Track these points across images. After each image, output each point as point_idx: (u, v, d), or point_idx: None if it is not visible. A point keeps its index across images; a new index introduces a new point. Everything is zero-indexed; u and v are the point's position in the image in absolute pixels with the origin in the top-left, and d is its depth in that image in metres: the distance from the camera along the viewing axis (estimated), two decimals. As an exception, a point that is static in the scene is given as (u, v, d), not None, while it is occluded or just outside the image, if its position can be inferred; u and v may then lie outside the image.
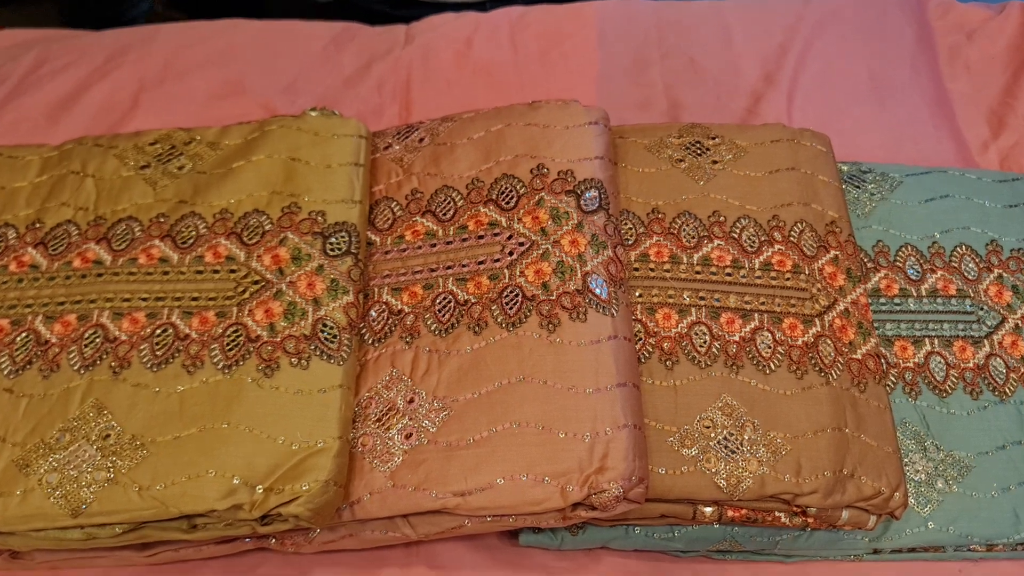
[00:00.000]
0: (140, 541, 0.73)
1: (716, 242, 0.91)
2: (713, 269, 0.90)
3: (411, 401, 0.79)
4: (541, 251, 0.84)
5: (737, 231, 0.92)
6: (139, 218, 0.85)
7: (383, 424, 0.78)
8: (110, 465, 0.71)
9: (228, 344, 0.77)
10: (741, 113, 1.20)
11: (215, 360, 0.77)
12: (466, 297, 0.83)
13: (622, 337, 0.80)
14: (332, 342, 0.77)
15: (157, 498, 0.69)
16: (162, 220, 0.85)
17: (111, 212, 0.86)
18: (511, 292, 0.82)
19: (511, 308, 0.81)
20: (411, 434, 0.77)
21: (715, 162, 0.97)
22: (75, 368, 0.77)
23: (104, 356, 0.78)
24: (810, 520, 0.82)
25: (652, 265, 0.90)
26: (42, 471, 0.71)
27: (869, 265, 0.98)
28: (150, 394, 0.75)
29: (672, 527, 0.85)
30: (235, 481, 0.69)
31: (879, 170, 1.07)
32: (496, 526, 0.78)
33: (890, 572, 0.90)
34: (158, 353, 0.77)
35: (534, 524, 0.77)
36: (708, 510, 0.80)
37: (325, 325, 0.78)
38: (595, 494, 0.73)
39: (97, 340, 0.78)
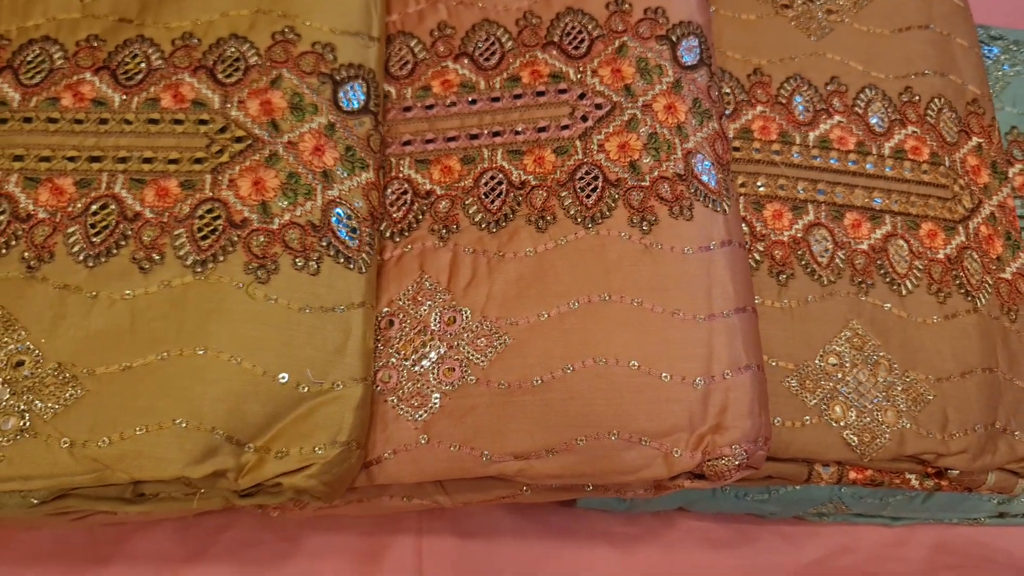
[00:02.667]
0: (61, 511, 0.52)
1: (836, 118, 0.71)
2: (834, 155, 0.70)
3: (451, 322, 0.58)
4: (627, 117, 0.63)
5: (861, 105, 0.72)
6: (60, 40, 0.61)
7: (411, 353, 0.57)
8: (24, 408, 0.49)
9: (200, 230, 0.55)
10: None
11: (182, 253, 0.54)
12: (524, 177, 0.62)
13: (736, 243, 0.60)
14: (351, 238, 0.56)
15: (97, 459, 0.48)
16: (95, 45, 0.61)
17: (17, 30, 0.61)
18: (587, 173, 0.61)
19: (588, 196, 0.60)
20: (452, 369, 0.57)
21: (831, 12, 0.76)
22: (-33, 260, 0.54)
23: (13, 242, 0.55)
24: (944, 483, 0.65)
25: (757, 144, 0.69)
26: (-85, 417, 0.49)
27: (1002, 157, 0.79)
28: (84, 301, 0.53)
29: (769, 487, 0.67)
30: (216, 436, 0.48)
31: (1012, 36, 0.87)
32: (562, 495, 0.59)
33: (1013, 538, 0.74)
34: (95, 240, 0.55)
35: (616, 493, 0.58)
36: (827, 470, 0.63)
37: (340, 212, 0.56)
38: (710, 461, 0.54)
39: (1, 218, 0.55)
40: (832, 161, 0.70)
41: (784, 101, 0.72)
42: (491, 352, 0.57)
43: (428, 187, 0.63)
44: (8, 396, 0.50)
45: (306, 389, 0.51)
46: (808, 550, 0.71)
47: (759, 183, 0.68)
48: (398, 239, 0.61)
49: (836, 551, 0.72)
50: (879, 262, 0.67)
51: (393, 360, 0.57)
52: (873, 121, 0.72)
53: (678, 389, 0.55)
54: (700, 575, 0.68)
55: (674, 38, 0.66)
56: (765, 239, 0.66)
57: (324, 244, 0.55)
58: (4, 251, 0.54)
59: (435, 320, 0.58)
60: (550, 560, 0.66)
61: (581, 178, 0.61)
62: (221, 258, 0.54)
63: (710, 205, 0.61)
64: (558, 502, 0.69)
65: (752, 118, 0.71)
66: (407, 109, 0.65)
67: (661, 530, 0.69)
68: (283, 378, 0.51)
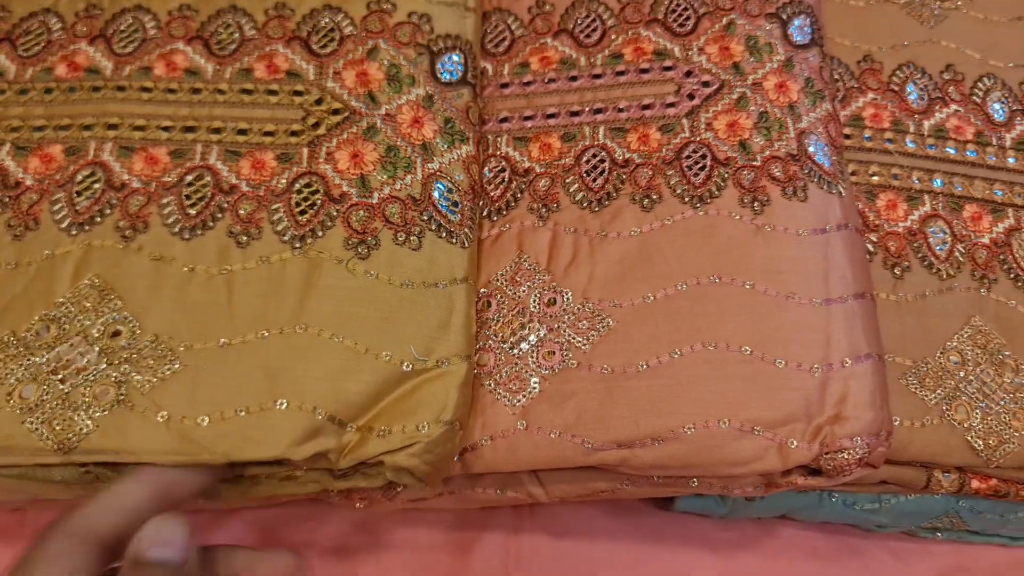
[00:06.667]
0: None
1: (953, 107, 0.69)
2: (950, 144, 0.68)
3: (551, 303, 0.57)
4: (736, 96, 0.62)
5: (980, 94, 0.70)
6: (152, 9, 0.61)
7: (509, 336, 0.56)
8: (121, 378, 0.49)
9: (299, 204, 0.55)
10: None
11: (280, 228, 0.54)
12: (627, 155, 0.61)
13: (852, 227, 0.59)
14: (453, 212, 0.55)
15: (194, 438, 0.47)
16: (188, 14, 0.61)
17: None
18: (695, 152, 0.60)
19: (696, 175, 0.59)
20: (553, 352, 0.55)
21: (944, -1, 0.74)
22: (63, 226, 0.55)
23: (108, 211, 0.55)
24: (1076, 497, 0.62)
25: (869, 132, 0.68)
26: (13, 380, 0.49)
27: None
28: (180, 273, 0.53)
29: (880, 496, 0.65)
30: (318, 416, 0.48)
31: None
32: (664, 490, 0.58)
33: None
34: (191, 211, 0.55)
35: (722, 491, 0.57)
36: (947, 477, 0.60)
37: (441, 186, 0.56)
38: (828, 454, 0.52)
39: (96, 186, 0.56)
40: (949, 151, 0.68)
41: (896, 89, 0.70)
42: (593, 335, 0.56)
43: (527, 165, 0.62)
44: (105, 366, 0.50)
45: (409, 367, 0.50)
46: (919, 569, 0.68)
47: (872, 172, 0.67)
48: (496, 218, 0.61)
49: (949, 571, 0.68)
50: (1002, 257, 0.64)
51: (491, 342, 0.56)
52: (992, 111, 0.70)
53: (794, 376, 0.54)
54: (804, 588, 0.66)
55: (784, 16, 0.65)
56: (879, 230, 0.64)
57: (425, 218, 0.54)
58: (99, 219, 0.55)
59: (534, 301, 0.57)
60: (645, 563, 0.64)
61: (688, 156, 0.60)
62: (320, 233, 0.53)
63: (825, 187, 0.59)
64: (654, 504, 0.68)
65: (863, 105, 0.69)
66: (504, 86, 0.65)
67: (762, 538, 0.67)
68: (386, 356, 0.50)
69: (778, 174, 0.59)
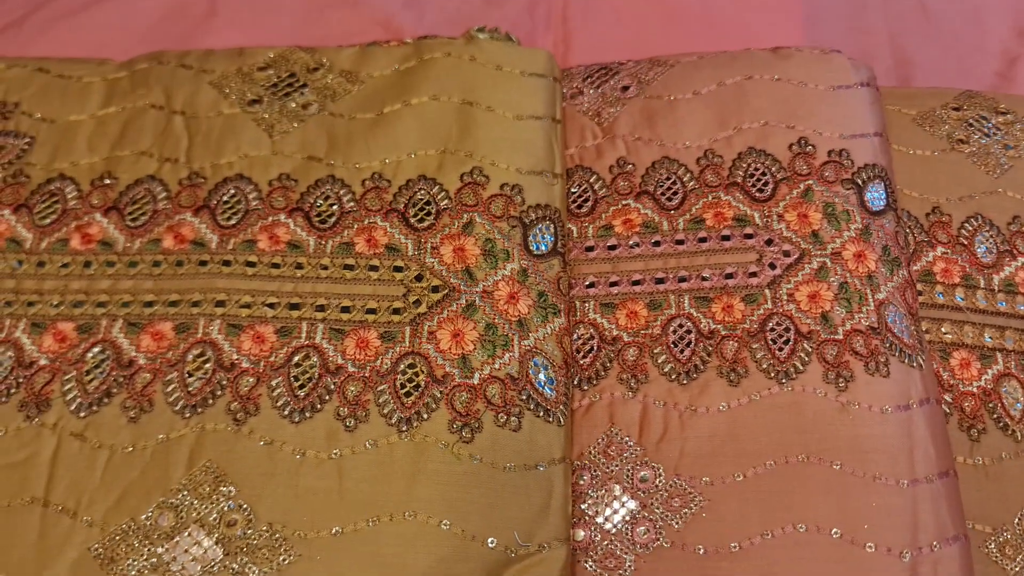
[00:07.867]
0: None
1: (1021, 259, 0.71)
2: (1020, 300, 0.69)
3: (643, 479, 0.58)
4: (816, 266, 0.63)
5: (1047, 246, 0.71)
6: (253, 179, 0.64)
7: (603, 509, 0.58)
8: (239, 569, 0.51)
9: (403, 385, 0.56)
10: (991, 79, 0.98)
11: (386, 411, 0.56)
12: (713, 326, 0.62)
13: (933, 400, 0.60)
14: (549, 389, 0.57)
15: None
16: (287, 184, 0.63)
17: (211, 167, 0.64)
18: (779, 324, 0.62)
19: (781, 349, 0.61)
20: (647, 529, 0.57)
21: (1009, 147, 0.76)
22: (176, 408, 0.57)
23: (219, 392, 0.57)
24: None
25: (940, 289, 0.69)
26: (135, 571, 0.51)
27: None
28: (291, 459, 0.55)
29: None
30: None
31: None
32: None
33: None
34: (299, 393, 0.57)
35: (813, 669, 0.58)
36: (1026, 644, 0.61)
37: (537, 362, 0.57)
38: (919, 642, 0.53)
39: (207, 366, 0.57)
40: (1020, 307, 0.69)
41: (966, 242, 0.72)
42: (686, 513, 0.57)
43: (615, 333, 0.64)
44: (222, 556, 0.51)
45: (514, 553, 0.52)
46: None
47: (944, 330, 0.68)
48: (586, 387, 0.62)
49: None
50: (1075, 417, 0.66)
51: (585, 517, 0.58)
52: (1060, 264, 0.72)
53: (884, 561, 0.55)
54: None
55: (860, 182, 0.67)
56: (953, 390, 0.66)
57: (524, 398, 0.56)
58: (211, 401, 0.56)
59: (627, 476, 0.59)
60: None
61: (772, 329, 0.62)
62: (425, 416, 0.55)
63: (906, 360, 0.61)
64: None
65: (933, 260, 0.71)
66: (590, 249, 0.67)
67: None
68: (491, 542, 0.52)
69: (860, 349, 0.60)
